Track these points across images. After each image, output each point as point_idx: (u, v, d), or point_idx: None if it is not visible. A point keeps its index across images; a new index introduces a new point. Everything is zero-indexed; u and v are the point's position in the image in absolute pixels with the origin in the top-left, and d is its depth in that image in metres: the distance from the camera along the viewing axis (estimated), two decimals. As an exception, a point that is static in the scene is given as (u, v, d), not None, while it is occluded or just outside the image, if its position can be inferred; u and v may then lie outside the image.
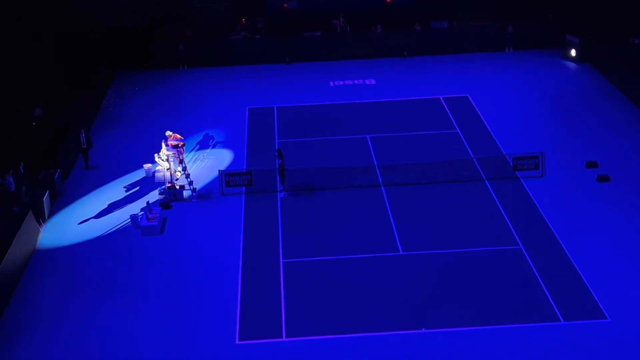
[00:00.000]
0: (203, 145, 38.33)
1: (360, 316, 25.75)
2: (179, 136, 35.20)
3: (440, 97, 43.09)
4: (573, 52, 47.79)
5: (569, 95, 42.94)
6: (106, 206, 33.12)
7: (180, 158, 34.80)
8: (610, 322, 25.02)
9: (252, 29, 50.77)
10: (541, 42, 49.87)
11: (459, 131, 38.73)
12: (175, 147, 34.43)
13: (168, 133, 35.09)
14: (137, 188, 34.50)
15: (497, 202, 32.25)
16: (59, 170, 34.26)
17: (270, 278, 27.91)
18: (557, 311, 25.61)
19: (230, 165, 36.21)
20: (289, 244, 29.92)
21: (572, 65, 47.44)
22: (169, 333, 25.25)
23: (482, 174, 34.27)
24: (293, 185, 33.74)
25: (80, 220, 32.15)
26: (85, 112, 40.30)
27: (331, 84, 45.84)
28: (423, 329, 25.00)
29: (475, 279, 27.41)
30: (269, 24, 50.92)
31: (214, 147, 38.28)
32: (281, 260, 28.94)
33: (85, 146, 36.01)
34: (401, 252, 29.18)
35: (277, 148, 35.69)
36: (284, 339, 24.89)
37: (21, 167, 32.52)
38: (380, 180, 34.07)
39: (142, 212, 31.70)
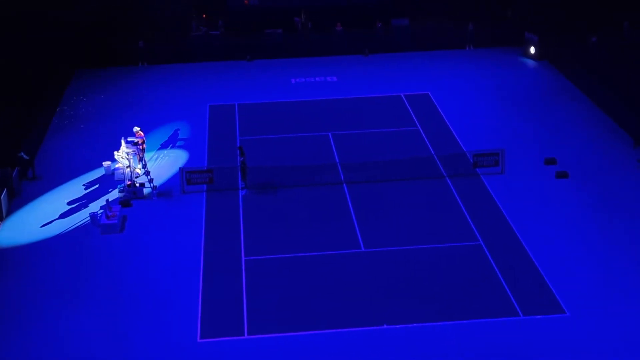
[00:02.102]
0: (163, 143, 38.07)
1: (322, 313, 25.76)
2: (142, 133, 34.97)
3: (402, 94, 43.26)
4: (532, 50, 48.28)
5: (528, 93, 43.37)
6: (65, 205, 32.76)
7: (140, 155, 34.53)
8: (569, 316, 25.31)
9: (211, 25, 50.49)
10: (501, 40, 50.30)
11: (420, 128, 38.92)
12: (135, 144, 34.14)
13: (136, 129, 34.88)
14: (97, 186, 34.17)
15: (458, 198, 32.47)
16: (16, 169, 33.78)
17: (231, 276, 27.81)
18: (516, 306, 25.84)
19: (191, 162, 36.01)
20: (251, 242, 29.84)
21: (531, 62, 47.91)
22: (129, 332, 25.05)
23: (443, 171, 34.47)
24: (255, 183, 33.65)
25: (39, 219, 31.75)
26: (43, 110, 39.80)
27: (293, 81, 45.81)
28: (385, 325, 25.08)
29: (436, 275, 27.57)
30: (229, 20, 50.68)
31: (174, 144, 38.04)
32: (243, 258, 28.85)
33: (28, 158, 34.74)
34: (363, 249, 29.25)
35: (238, 145, 35.58)
36: (245, 336, 24.82)
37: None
38: (342, 178, 34.11)
39: (102, 210, 31.42)
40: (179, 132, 39.28)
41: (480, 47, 50.11)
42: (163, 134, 38.97)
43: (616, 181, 33.51)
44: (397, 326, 25.05)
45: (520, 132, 38.33)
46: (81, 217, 31.75)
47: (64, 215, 31.95)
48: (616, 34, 45.85)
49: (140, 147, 34.49)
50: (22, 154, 34.46)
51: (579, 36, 46.31)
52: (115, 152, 34.38)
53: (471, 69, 46.89)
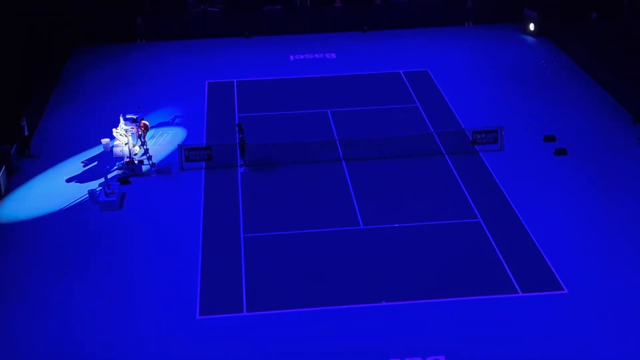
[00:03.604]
0: (162, 120, 37.98)
1: (321, 290, 25.82)
2: (145, 122, 34.87)
3: (401, 71, 43.12)
4: (531, 27, 48.08)
5: (527, 70, 43.24)
6: (64, 182, 32.74)
7: (140, 133, 34.44)
8: (568, 293, 25.37)
9: (210, 1, 50.22)
10: (500, 17, 50.08)
11: (419, 105, 38.84)
12: (133, 121, 34.06)
13: (144, 123, 34.63)
14: (95, 163, 34.13)
15: (457, 175, 32.46)
16: (14, 146, 33.73)
17: (230, 253, 27.84)
18: (515, 283, 25.91)
19: (190, 139, 35.94)
20: (250, 219, 29.85)
21: (530, 39, 47.73)
22: (129, 308, 25.11)
23: (442, 148, 34.44)
24: (253, 160, 33.61)
25: (38, 197, 31.75)
26: (42, 87, 39.68)
27: (291, 57, 45.64)
28: (383, 302, 25.14)
29: (434, 252, 27.61)
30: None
31: (173, 121, 37.96)
32: (242, 235, 28.87)
33: (27, 134, 34.94)
34: (362, 226, 29.26)
35: (237, 122, 35.50)
36: (244, 313, 24.89)
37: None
38: (341, 155, 34.07)
39: (101, 188, 31.40)
40: (177, 109, 39.18)
41: (479, 24, 49.91)
42: (161, 111, 38.88)
43: (615, 158, 33.49)
44: (396, 303, 25.12)
45: (519, 109, 38.25)
46: (80, 194, 31.73)
47: (62, 193, 31.94)
48: (616, 10, 45.62)
49: (141, 129, 34.32)
50: (24, 123, 34.37)
51: (578, 13, 46.10)
52: (114, 130, 34.30)
53: (470, 46, 46.70)
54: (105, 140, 34.99)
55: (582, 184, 31.68)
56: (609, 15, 45.07)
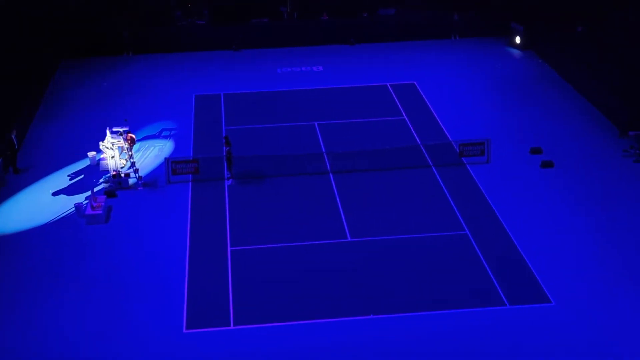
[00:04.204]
0: (149, 133, 37.90)
1: (309, 303, 25.76)
2: (132, 135, 34.77)
3: (388, 84, 43.23)
4: (517, 40, 48.33)
5: (513, 83, 43.43)
6: (50, 195, 32.59)
7: (126, 146, 34.34)
8: (555, 305, 25.41)
9: (197, 14, 50.27)
10: (486, 30, 50.35)
11: (406, 118, 38.91)
12: (120, 134, 33.97)
13: (130, 136, 34.52)
14: (82, 176, 34.01)
15: (444, 188, 32.51)
16: (1, 159, 33.57)
17: (217, 266, 27.75)
18: (502, 295, 25.92)
19: (177, 152, 35.87)
20: (237, 232, 29.78)
21: (516, 52, 47.97)
22: (115, 322, 24.97)
23: (429, 160, 34.50)
24: (241, 173, 33.57)
25: (24, 210, 31.58)
26: (29, 101, 39.54)
27: (279, 70, 45.69)
28: (371, 315, 25.10)
29: (422, 265, 27.61)
30: (215, 10, 50.47)
31: (160, 134, 37.89)
32: (229, 248, 28.79)
33: (17, 147, 34.74)
34: (349, 239, 29.24)
35: (224, 135, 35.46)
36: (231, 327, 24.79)
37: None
38: (329, 167, 34.08)
39: (87, 201, 31.28)
40: (164, 122, 39.12)
41: (466, 37, 50.15)
42: (148, 124, 38.80)
43: (601, 171, 33.63)
44: (384, 316, 25.08)
45: (506, 122, 38.39)
46: (66, 207, 31.59)
47: (49, 206, 31.78)
48: (601, 23, 45.92)
49: (128, 142, 34.21)
50: (14, 136, 34.25)
51: (564, 26, 46.37)
52: (101, 143, 34.19)
53: (457, 59, 46.90)
54: (91, 154, 34.88)
55: (569, 196, 31.79)
56: (594, 28, 45.35)
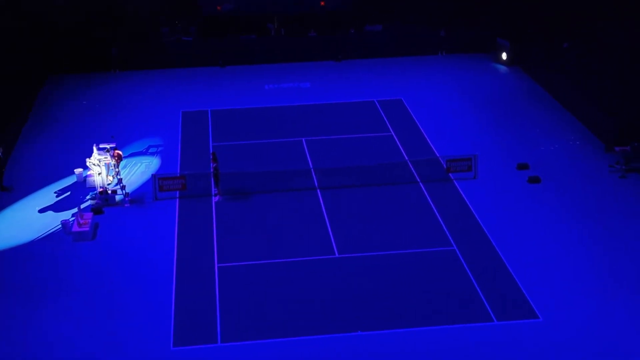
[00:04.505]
0: (136, 150, 37.82)
1: (296, 320, 25.69)
2: (119, 152, 34.63)
3: (375, 100, 43.34)
4: (504, 56, 48.59)
5: (500, 98, 43.62)
6: (36, 212, 32.44)
7: (113, 163, 34.24)
8: (542, 321, 25.43)
9: (184, 31, 50.31)
10: (473, 46, 50.60)
11: (393, 134, 38.99)
12: (107, 151, 33.88)
13: (117, 152, 34.38)
14: (68, 193, 33.88)
15: (431, 204, 32.54)
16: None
17: (205, 283, 27.65)
18: (490, 311, 25.92)
19: (164, 169, 35.81)
20: (224, 249, 29.70)
21: (503, 68, 48.22)
22: (102, 340, 24.82)
23: (416, 176, 34.55)
24: (228, 189, 33.52)
25: (10, 227, 31.41)
26: (15, 117, 39.41)
27: (266, 87, 45.74)
28: (359, 332, 25.04)
29: (410, 281, 27.59)
30: (202, 26, 50.52)
31: (147, 151, 37.82)
32: (216, 265, 28.71)
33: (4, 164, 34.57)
34: (337, 255, 29.21)
35: (211, 151, 35.43)
36: (219, 344, 24.69)
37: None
38: (316, 184, 34.08)
39: (73, 218, 31.14)
40: (151, 138, 39.05)
41: (452, 53, 50.38)
42: (135, 140, 38.73)
43: (588, 186, 33.76)
44: (371, 332, 25.03)
45: (493, 138, 38.52)
46: (53, 224, 31.45)
47: (35, 223, 31.62)
48: (587, 39, 46.23)
49: (115, 158, 34.06)
50: (1, 151, 34.15)
51: (550, 42, 46.65)
52: (87, 159, 34.11)
53: (444, 75, 47.08)
54: (78, 170, 34.76)
55: (556, 211, 31.87)
56: (580, 43, 45.64)
